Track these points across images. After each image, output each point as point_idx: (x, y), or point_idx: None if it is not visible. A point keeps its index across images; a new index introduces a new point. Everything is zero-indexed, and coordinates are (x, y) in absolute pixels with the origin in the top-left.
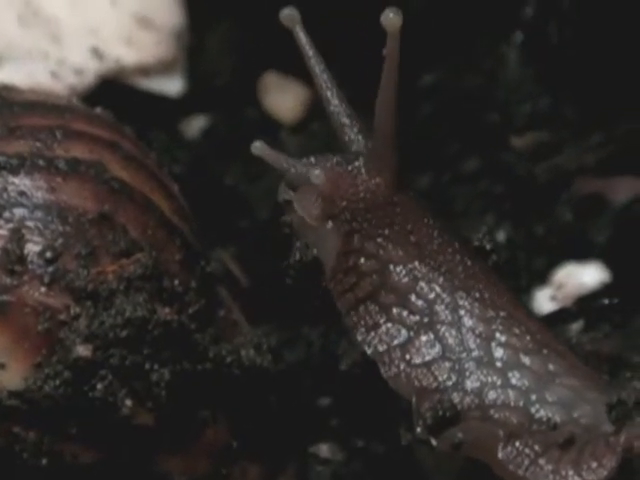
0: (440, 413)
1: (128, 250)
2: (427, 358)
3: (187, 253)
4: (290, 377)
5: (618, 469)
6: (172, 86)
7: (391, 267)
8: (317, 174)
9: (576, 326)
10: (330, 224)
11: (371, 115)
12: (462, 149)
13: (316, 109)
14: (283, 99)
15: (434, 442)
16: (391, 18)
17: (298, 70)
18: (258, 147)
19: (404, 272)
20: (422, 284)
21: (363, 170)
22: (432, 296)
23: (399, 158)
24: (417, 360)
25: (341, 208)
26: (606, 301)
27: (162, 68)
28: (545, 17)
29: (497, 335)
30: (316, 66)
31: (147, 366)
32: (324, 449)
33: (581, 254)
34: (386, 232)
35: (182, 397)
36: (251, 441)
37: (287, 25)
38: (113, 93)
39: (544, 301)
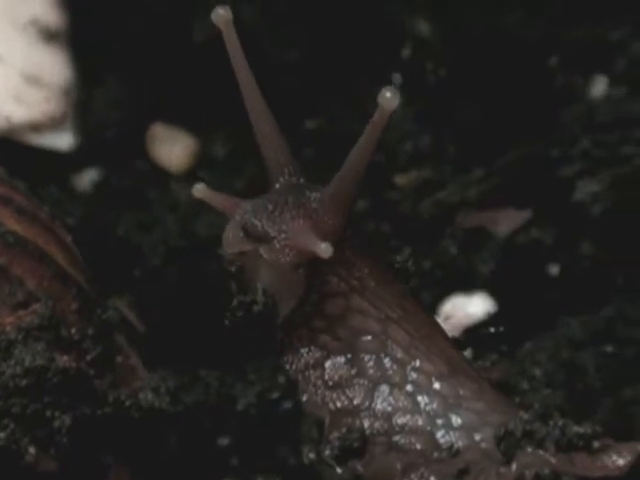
0: (347, 443)
1: (25, 301)
2: (343, 381)
3: (83, 302)
4: (189, 418)
5: None
6: (62, 141)
7: (329, 298)
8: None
9: (465, 355)
10: (299, 271)
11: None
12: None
13: (204, 157)
14: (171, 149)
15: (338, 470)
16: (388, 98)
17: (184, 120)
18: (200, 189)
19: (340, 303)
20: (355, 314)
21: (321, 212)
22: (359, 324)
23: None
24: (333, 382)
25: (309, 254)
26: (492, 330)
27: (52, 124)
28: (421, 58)
29: (414, 361)
30: (243, 71)
31: (48, 413)
32: None
33: (467, 286)
34: (336, 268)
35: (84, 442)
36: None
37: (219, 26)
38: (4, 150)
39: None
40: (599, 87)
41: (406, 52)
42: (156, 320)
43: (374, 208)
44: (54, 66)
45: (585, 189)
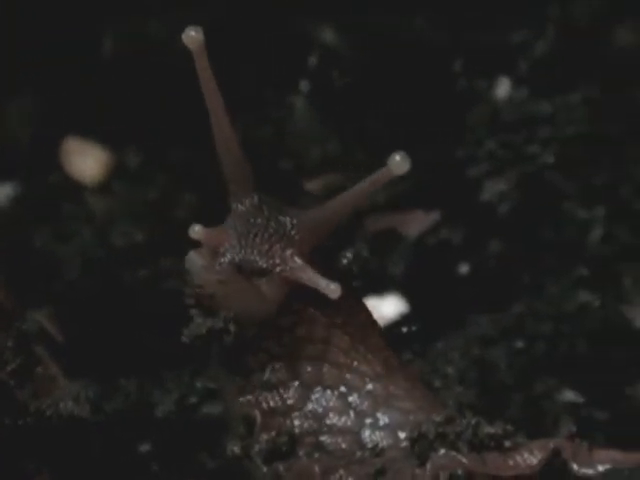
0: (276, 446)
1: None
2: (280, 382)
3: (1, 314)
4: (110, 426)
5: None
6: None
7: (285, 315)
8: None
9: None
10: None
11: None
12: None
13: (117, 170)
14: (84, 162)
15: (264, 469)
16: (397, 162)
17: (96, 133)
18: (198, 232)
19: (293, 317)
20: (304, 324)
21: (299, 240)
22: (306, 332)
23: None
24: (270, 384)
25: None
26: (405, 330)
27: None
28: (328, 65)
29: (352, 363)
30: (212, 92)
31: None
32: None
33: (379, 288)
34: (298, 290)
35: (6, 452)
36: None
37: (190, 47)
38: None
39: None
40: (502, 89)
41: (313, 60)
42: (75, 330)
43: None
44: None
45: (492, 189)
